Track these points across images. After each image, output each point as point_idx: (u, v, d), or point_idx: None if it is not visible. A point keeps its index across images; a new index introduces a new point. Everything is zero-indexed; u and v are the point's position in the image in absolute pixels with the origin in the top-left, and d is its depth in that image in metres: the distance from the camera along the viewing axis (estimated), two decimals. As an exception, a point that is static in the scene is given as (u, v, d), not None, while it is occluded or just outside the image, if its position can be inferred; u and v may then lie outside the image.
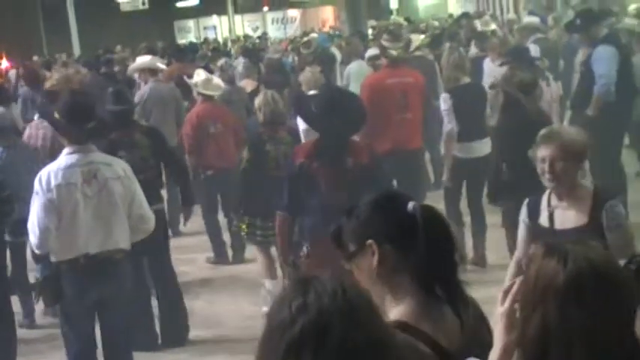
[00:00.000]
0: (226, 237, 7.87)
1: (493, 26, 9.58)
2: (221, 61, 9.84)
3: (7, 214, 5.63)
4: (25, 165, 6.20)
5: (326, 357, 1.55)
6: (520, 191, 5.34)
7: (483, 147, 6.82)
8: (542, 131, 3.85)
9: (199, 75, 7.83)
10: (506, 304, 1.87)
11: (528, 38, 10.31)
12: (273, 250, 6.11)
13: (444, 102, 6.82)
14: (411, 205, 2.13)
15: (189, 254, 7.98)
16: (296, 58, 14.08)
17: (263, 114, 6.21)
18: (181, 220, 7.02)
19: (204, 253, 7.97)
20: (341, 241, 2.23)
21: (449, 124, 6.81)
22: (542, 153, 3.75)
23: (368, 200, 2.24)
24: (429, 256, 2.08)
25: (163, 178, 6.42)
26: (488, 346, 2.07)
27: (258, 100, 6.35)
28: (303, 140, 6.19)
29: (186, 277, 7.33)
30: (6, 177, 6.05)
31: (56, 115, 4.78)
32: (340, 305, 1.59)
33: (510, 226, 5.64)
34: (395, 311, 2.14)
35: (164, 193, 6.79)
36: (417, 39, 10.03)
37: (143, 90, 8.85)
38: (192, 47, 14.34)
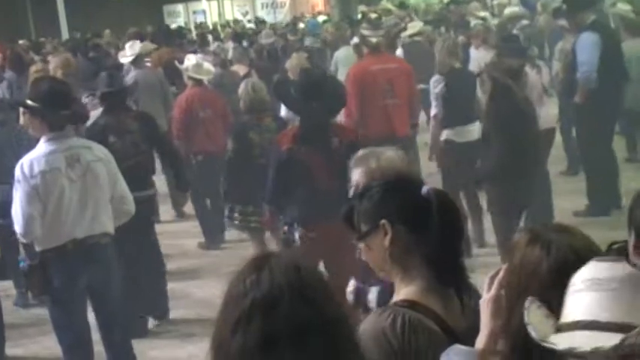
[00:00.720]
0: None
1: (482, 14, 9.64)
2: (213, 46, 9.85)
3: None
4: (12, 147, 6.19)
5: (274, 329, 1.58)
6: (506, 177, 5.44)
7: (475, 131, 6.92)
8: (359, 153, 3.44)
9: (189, 59, 7.88)
10: (493, 290, 1.88)
11: (514, 25, 10.35)
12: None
13: (435, 85, 6.90)
14: (425, 189, 2.21)
15: (181, 240, 8.05)
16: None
17: (244, 102, 6.25)
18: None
19: (195, 239, 8.02)
20: (352, 222, 2.29)
21: (435, 108, 6.89)
22: (355, 177, 3.34)
23: (381, 182, 2.29)
24: (440, 239, 2.14)
25: (156, 164, 6.41)
26: None
27: (241, 88, 6.37)
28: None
29: (177, 263, 7.41)
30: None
31: (31, 102, 4.72)
32: (292, 281, 1.62)
33: (496, 211, 5.69)
34: (405, 291, 2.20)
35: (157, 179, 6.80)
36: (416, 25, 10.02)
37: (130, 76, 8.85)
38: (180, 32, 14.27)
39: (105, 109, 6.05)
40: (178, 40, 12.99)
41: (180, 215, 8.59)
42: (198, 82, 7.74)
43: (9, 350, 5.83)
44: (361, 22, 14.94)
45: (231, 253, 7.36)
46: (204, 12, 30.88)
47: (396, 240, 2.19)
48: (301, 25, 19.69)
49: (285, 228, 4.96)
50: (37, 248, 4.59)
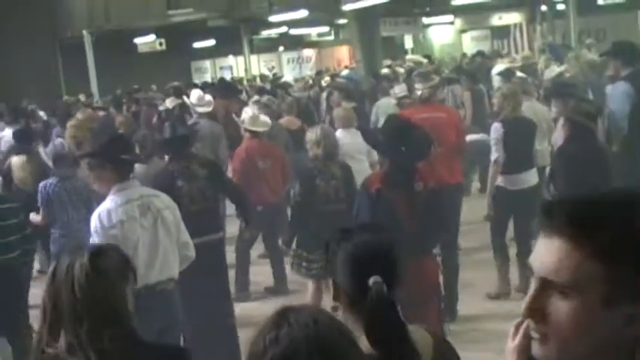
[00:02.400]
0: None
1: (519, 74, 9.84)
2: (263, 98, 10.03)
3: (30, 253, 5.71)
4: (73, 199, 6.35)
5: None
6: None
7: (531, 178, 7.01)
8: None
9: (246, 112, 8.02)
10: (517, 338, 1.79)
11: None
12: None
13: (495, 131, 7.00)
14: (372, 280, 2.20)
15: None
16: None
17: (323, 147, 6.31)
18: None
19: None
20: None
21: (496, 153, 6.98)
22: None
23: (345, 247, 2.36)
24: (373, 322, 2.17)
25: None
26: None
27: (313, 135, 6.44)
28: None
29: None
30: (56, 207, 6.25)
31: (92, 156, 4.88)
32: (310, 336, 1.63)
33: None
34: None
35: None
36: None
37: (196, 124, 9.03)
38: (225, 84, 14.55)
39: (171, 156, 6.19)
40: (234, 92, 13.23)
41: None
42: (255, 134, 7.87)
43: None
44: (386, 77, 15.24)
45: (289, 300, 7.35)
46: (230, 67, 31.35)
47: (339, 300, 2.32)
48: (327, 78, 19.94)
49: None
50: None
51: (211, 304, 6.03)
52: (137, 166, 6.91)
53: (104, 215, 4.62)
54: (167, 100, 11.81)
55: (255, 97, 13.10)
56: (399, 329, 2.17)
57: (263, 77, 24.24)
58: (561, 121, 5.78)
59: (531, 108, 8.22)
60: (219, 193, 6.32)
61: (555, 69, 11.27)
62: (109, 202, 4.69)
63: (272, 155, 7.80)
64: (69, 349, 2.41)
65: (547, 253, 1.48)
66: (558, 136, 5.80)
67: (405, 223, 4.88)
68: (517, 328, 1.80)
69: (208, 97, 8.39)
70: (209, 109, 8.67)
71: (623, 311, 1.41)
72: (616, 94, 7.47)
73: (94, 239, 4.59)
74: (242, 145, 8.04)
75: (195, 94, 8.38)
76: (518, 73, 11.40)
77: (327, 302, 6.01)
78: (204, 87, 13.82)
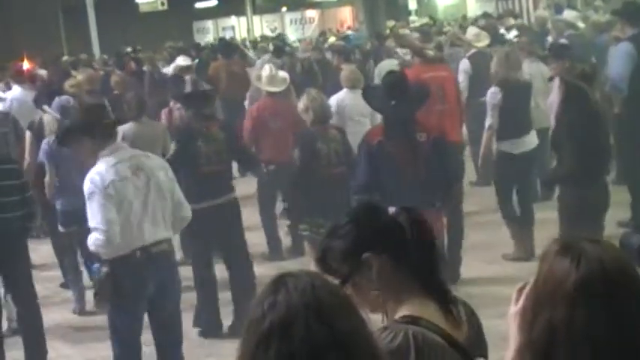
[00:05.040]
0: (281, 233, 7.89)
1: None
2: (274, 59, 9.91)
3: (32, 215, 5.72)
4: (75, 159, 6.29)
5: (291, 352, 1.59)
6: (579, 180, 5.46)
7: (532, 139, 7.06)
8: None
9: (265, 70, 7.93)
10: (520, 302, 1.83)
11: (562, 33, 10.33)
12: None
13: (492, 96, 6.92)
14: (395, 211, 2.19)
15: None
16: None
17: (313, 111, 6.26)
18: None
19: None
20: (328, 265, 2.22)
21: (490, 119, 6.96)
22: None
23: (349, 219, 2.26)
24: (420, 257, 2.16)
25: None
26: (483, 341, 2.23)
27: (304, 101, 6.39)
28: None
29: None
30: (60, 163, 6.26)
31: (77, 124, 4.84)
32: (307, 301, 1.62)
33: (568, 216, 5.66)
34: (401, 310, 2.18)
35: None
36: (483, 37, 9.92)
37: None
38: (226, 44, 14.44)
39: (192, 113, 6.34)
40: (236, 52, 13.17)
41: None
42: (271, 93, 7.80)
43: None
44: (389, 37, 15.10)
45: (290, 265, 7.35)
46: (233, 28, 31.11)
47: (382, 269, 2.17)
48: (331, 39, 19.76)
49: None
50: (107, 257, 4.63)
51: (229, 263, 6.22)
52: (127, 127, 6.93)
53: (97, 177, 4.59)
54: (179, 58, 11.67)
55: (264, 57, 13.03)
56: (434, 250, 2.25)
57: (265, 38, 24.06)
58: (557, 82, 5.73)
59: (537, 69, 8.13)
60: (233, 157, 6.44)
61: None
62: (99, 165, 4.65)
63: (283, 115, 7.60)
64: None
65: None
66: (554, 98, 5.74)
67: (409, 174, 4.98)
68: (520, 292, 1.83)
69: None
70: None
71: None
72: (618, 55, 7.38)
73: (90, 202, 4.55)
74: (255, 103, 8.00)
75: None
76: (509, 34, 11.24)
77: None
78: (204, 49, 13.66)
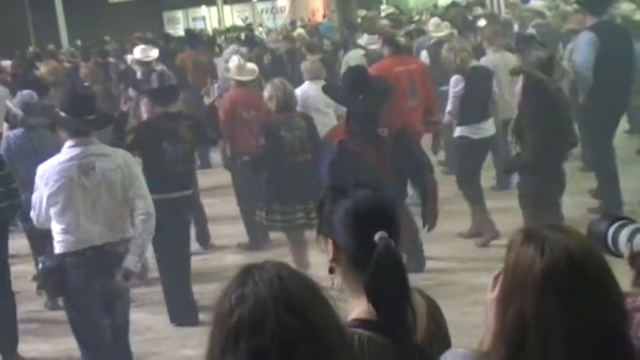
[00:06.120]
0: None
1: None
2: (242, 49, 9.89)
3: (15, 207, 5.67)
4: (39, 151, 6.20)
5: (262, 346, 1.57)
6: (540, 169, 5.53)
7: (490, 127, 7.25)
8: None
9: (233, 60, 7.92)
10: (497, 290, 1.84)
11: (529, 23, 10.38)
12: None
13: (455, 84, 7.00)
14: (377, 236, 2.09)
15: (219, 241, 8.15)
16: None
17: (276, 99, 6.26)
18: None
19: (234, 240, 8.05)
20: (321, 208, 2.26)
21: (451, 105, 7.20)
22: None
23: (345, 205, 2.20)
24: (377, 280, 2.07)
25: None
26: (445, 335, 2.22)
27: (268, 89, 6.39)
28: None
29: (211, 263, 7.48)
30: (23, 159, 6.17)
31: (57, 110, 4.87)
32: (276, 293, 1.60)
33: (528, 203, 5.75)
34: (356, 310, 2.16)
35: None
36: (443, 27, 9.94)
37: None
38: (193, 35, 14.37)
39: (158, 110, 6.25)
40: (204, 43, 13.13)
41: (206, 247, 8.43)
42: (241, 83, 7.79)
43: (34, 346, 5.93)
44: (361, 26, 15.05)
45: (270, 256, 7.32)
46: (203, 18, 30.92)
47: (337, 260, 2.17)
48: (300, 30, 19.69)
49: None
50: (57, 251, 4.67)
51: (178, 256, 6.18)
52: None
53: (42, 173, 4.66)
54: (137, 49, 11.55)
55: (232, 47, 12.95)
56: (403, 289, 2.10)
57: (236, 28, 23.92)
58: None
59: (501, 59, 8.15)
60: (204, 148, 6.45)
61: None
62: (53, 160, 4.70)
63: (257, 105, 7.51)
64: None
65: None
66: (518, 89, 5.83)
67: (375, 172, 4.92)
68: (496, 279, 1.84)
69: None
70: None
71: None
72: (580, 45, 7.41)
73: (37, 188, 4.65)
74: (227, 95, 7.96)
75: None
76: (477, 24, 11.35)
77: (312, 255, 6.15)
78: (172, 39, 13.58)
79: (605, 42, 7.23)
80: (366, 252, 2.07)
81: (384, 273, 2.05)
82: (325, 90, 6.04)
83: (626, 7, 9.90)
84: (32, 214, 4.73)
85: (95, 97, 5.26)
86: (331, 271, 2.22)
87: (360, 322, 2.11)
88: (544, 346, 1.70)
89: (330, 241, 2.18)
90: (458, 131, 7.34)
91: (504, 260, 1.81)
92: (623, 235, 2.10)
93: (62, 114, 4.77)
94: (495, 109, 7.45)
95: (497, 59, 8.13)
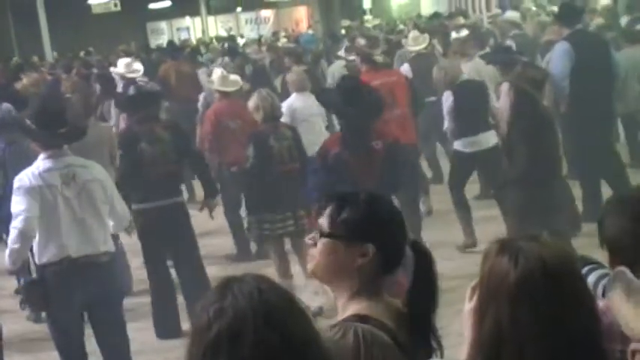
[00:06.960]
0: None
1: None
2: (225, 60, 9.94)
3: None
4: (23, 165, 6.20)
5: (242, 358, 1.55)
6: (528, 184, 5.57)
7: (489, 139, 7.17)
8: None
9: (216, 72, 7.97)
10: (474, 300, 1.86)
11: (508, 33, 10.49)
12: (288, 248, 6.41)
13: (446, 100, 7.11)
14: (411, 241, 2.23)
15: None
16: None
17: (263, 110, 6.31)
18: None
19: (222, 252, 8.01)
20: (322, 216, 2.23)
21: (447, 123, 7.24)
22: None
23: (367, 199, 2.24)
24: (414, 288, 2.18)
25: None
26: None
27: (254, 100, 6.42)
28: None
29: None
30: (4, 173, 6.16)
31: (28, 122, 4.86)
32: (255, 306, 1.59)
33: (514, 218, 5.80)
34: (355, 306, 2.17)
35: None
36: (421, 40, 10.00)
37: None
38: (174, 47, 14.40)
39: (135, 116, 6.22)
40: (187, 55, 13.16)
41: None
42: (225, 94, 7.82)
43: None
44: (345, 37, 15.13)
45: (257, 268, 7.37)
46: (187, 29, 30.90)
47: (370, 264, 2.17)
48: (284, 40, 19.77)
49: None
50: (37, 261, 4.63)
51: (179, 266, 6.20)
52: None
53: (24, 178, 4.59)
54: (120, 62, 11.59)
55: (218, 60, 13.00)
56: (436, 289, 2.23)
57: (219, 39, 23.96)
58: (506, 87, 5.79)
59: (474, 69, 8.25)
60: (182, 158, 6.26)
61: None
62: (31, 169, 4.66)
63: (242, 115, 7.50)
64: None
65: None
66: (504, 103, 5.79)
67: (366, 183, 4.96)
68: (473, 290, 1.86)
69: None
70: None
71: None
72: (555, 55, 7.50)
73: (17, 194, 4.55)
74: (212, 107, 7.97)
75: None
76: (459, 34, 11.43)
77: (296, 265, 6.15)
78: (154, 51, 13.60)
79: (580, 51, 7.30)
80: (401, 254, 2.19)
81: (424, 274, 2.21)
82: (319, 98, 6.12)
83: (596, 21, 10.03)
84: (16, 226, 4.56)
85: (66, 110, 5.23)
86: (314, 275, 2.25)
87: (360, 317, 2.12)
88: (519, 356, 1.71)
89: (372, 251, 2.16)
90: (454, 145, 7.45)
91: (480, 271, 1.83)
92: (590, 280, 2.09)
93: (33, 127, 4.76)
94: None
95: (469, 69, 8.21)
